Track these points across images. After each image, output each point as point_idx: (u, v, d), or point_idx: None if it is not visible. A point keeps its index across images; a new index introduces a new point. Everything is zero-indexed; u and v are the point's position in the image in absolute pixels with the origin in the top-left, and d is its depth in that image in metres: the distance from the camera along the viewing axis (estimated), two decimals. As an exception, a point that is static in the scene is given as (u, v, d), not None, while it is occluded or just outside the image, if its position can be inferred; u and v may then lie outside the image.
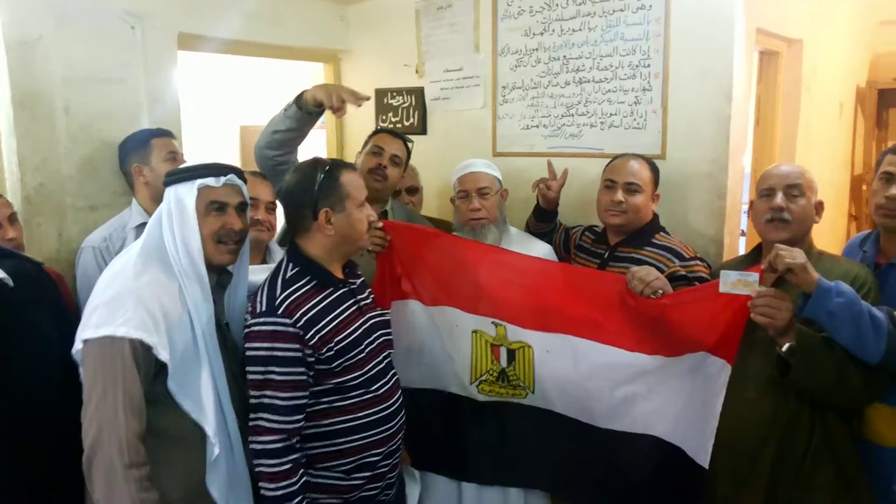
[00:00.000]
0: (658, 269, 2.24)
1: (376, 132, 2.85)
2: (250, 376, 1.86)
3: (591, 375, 2.23)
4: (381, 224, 2.37)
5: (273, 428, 1.82)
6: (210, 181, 1.85)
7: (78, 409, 1.65)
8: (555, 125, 3.12)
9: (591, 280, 2.32)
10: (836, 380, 1.86)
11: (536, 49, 3.12)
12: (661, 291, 2.07)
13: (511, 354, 2.38)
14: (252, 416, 1.85)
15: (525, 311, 2.34)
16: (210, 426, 1.75)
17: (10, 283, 1.78)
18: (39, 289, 1.93)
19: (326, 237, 1.97)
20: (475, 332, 2.41)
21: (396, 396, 2.09)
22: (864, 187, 4.23)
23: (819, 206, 2.14)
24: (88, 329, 1.66)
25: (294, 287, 1.91)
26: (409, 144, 2.81)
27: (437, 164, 3.37)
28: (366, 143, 2.82)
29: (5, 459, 1.70)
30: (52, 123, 2.64)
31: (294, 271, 1.95)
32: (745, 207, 2.87)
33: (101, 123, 2.74)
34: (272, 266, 2.19)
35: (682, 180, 2.72)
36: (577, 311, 2.25)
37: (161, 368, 1.70)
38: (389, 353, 2.14)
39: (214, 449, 1.76)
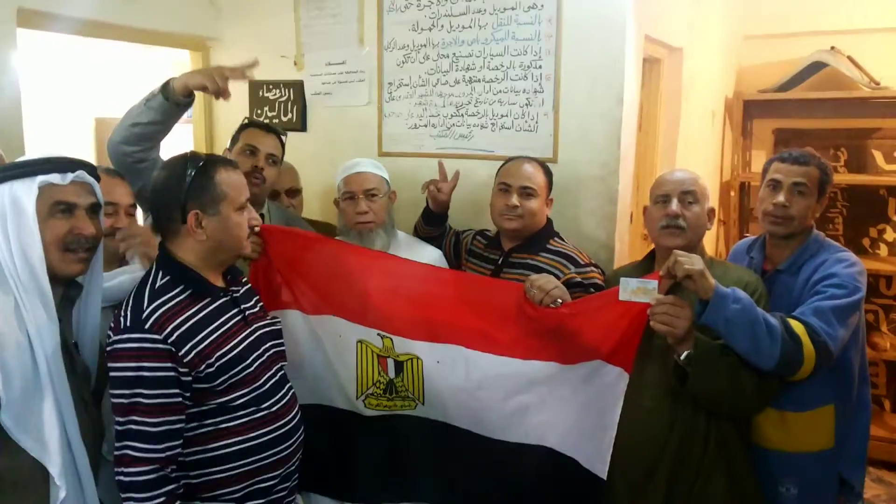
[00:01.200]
0: (554, 275, 2.19)
1: (245, 126, 2.60)
2: (114, 400, 1.64)
3: (483, 385, 2.15)
4: (258, 229, 2.15)
5: (142, 458, 1.61)
6: (54, 178, 1.59)
7: None
8: (444, 125, 3.01)
9: (485, 289, 2.23)
10: (731, 387, 1.89)
11: (425, 45, 3.00)
12: (560, 301, 2.01)
13: (399, 366, 2.25)
14: (117, 444, 1.63)
15: (414, 322, 2.21)
16: (55, 466, 1.52)
17: None
18: None
19: (197, 242, 1.76)
20: (360, 342, 2.26)
21: (293, 413, 1.91)
22: (732, 193, 4.43)
23: (711, 213, 2.17)
24: None
25: (164, 298, 1.70)
26: (283, 138, 2.60)
27: (318, 163, 3.19)
28: (234, 140, 2.57)
29: None
30: None
31: (164, 280, 1.73)
32: (629, 213, 2.88)
33: (-79, 108, 2.35)
34: (131, 271, 1.93)
35: (573, 184, 2.69)
36: (469, 321, 2.16)
37: None
38: (283, 365, 1.96)
39: (60, 492, 1.53)
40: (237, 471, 1.77)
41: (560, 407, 2.10)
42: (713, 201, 4.42)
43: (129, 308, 1.68)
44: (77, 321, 1.75)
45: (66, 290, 1.68)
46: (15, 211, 1.55)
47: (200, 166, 1.75)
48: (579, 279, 2.25)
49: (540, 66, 2.73)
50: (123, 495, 1.62)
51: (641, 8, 2.65)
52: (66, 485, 1.54)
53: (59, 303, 1.63)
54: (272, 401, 1.84)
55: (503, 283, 2.26)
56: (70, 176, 1.62)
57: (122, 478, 1.61)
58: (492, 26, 2.82)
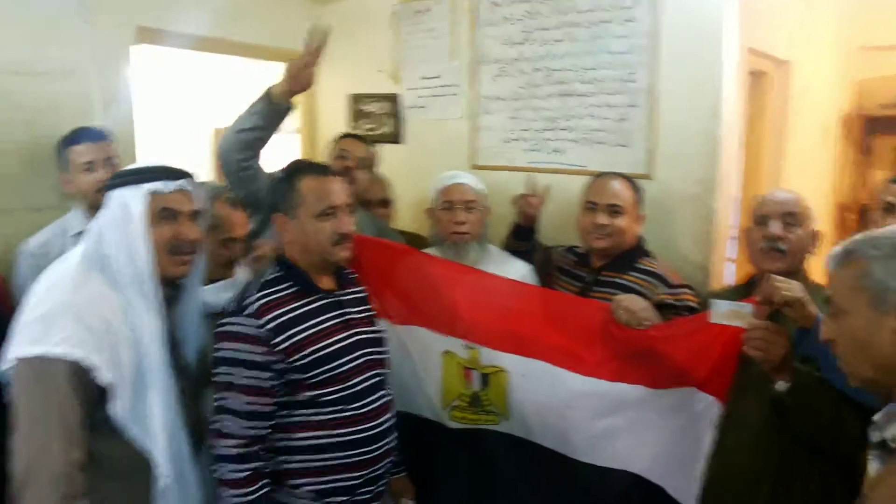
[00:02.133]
0: (643, 295, 2.12)
1: (341, 137, 2.73)
2: (215, 377, 1.78)
3: (569, 404, 2.10)
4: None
5: (232, 433, 1.74)
6: (160, 186, 1.68)
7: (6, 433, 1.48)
8: (536, 139, 2.98)
9: (572, 307, 2.19)
10: (833, 423, 1.75)
11: (518, 59, 2.99)
12: (648, 323, 1.94)
13: (484, 378, 2.24)
14: (213, 418, 1.77)
15: (500, 335, 2.21)
16: (160, 454, 1.60)
17: None
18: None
19: (288, 244, 1.90)
20: (446, 353, 2.27)
21: (383, 420, 1.95)
22: (849, 215, 4.17)
23: (816, 236, 2.04)
24: (20, 346, 1.49)
25: (271, 290, 1.84)
26: (375, 149, 2.67)
27: (411, 174, 3.22)
28: (330, 149, 2.69)
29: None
30: (-8, 118, 2.44)
31: (276, 275, 1.88)
32: (733, 232, 2.76)
33: (48, 119, 2.53)
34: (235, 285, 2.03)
35: (668, 202, 2.60)
36: (555, 338, 2.13)
37: (104, 391, 1.53)
38: (380, 372, 2.00)
39: (164, 479, 1.61)
40: (320, 463, 1.84)
41: (648, 432, 2.02)
42: (826, 223, 4.21)
43: (239, 295, 1.83)
44: (180, 319, 1.84)
45: (169, 290, 1.77)
46: (125, 216, 1.65)
47: (288, 173, 1.86)
48: (671, 300, 2.16)
49: (635, 80, 2.67)
50: (214, 465, 1.74)
51: (744, 19, 2.55)
52: (170, 471, 1.62)
53: (164, 302, 1.71)
54: (361, 403, 1.89)
55: (590, 302, 2.21)
56: (174, 184, 1.70)
57: (215, 450, 1.75)
58: (585, 40, 2.78)
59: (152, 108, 3.93)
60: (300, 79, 2.25)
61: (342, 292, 1.97)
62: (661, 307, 2.09)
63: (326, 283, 1.95)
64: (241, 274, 2.10)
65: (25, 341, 1.49)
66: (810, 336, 1.69)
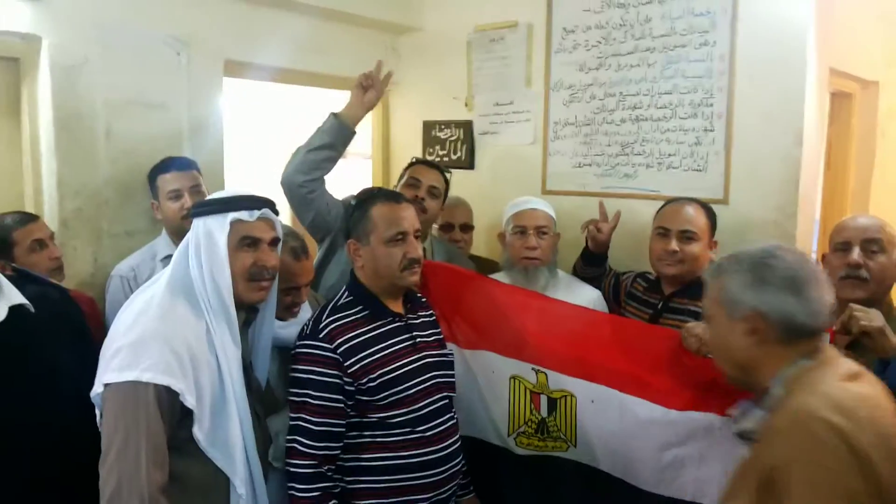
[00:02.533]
0: None
1: (412, 164, 2.74)
2: (290, 398, 1.86)
3: (637, 434, 2.06)
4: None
5: (305, 452, 1.80)
6: (243, 215, 1.73)
7: (95, 453, 1.54)
8: (609, 164, 2.97)
9: (641, 334, 2.16)
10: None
11: (591, 84, 2.99)
12: None
13: (552, 403, 2.22)
14: (288, 437, 1.84)
15: (569, 360, 2.19)
16: (237, 476, 1.66)
17: (32, 308, 1.71)
18: (63, 316, 1.85)
19: (360, 269, 1.96)
20: (514, 378, 2.27)
21: (450, 442, 1.98)
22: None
23: (901, 264, 1.95)
24: (110, 372, 1.55)
25: (342, 314, 1.90)
26: (447, 175, 2.70)
27: (483, 200, 3.25)
28: (402, 176, 2.72)
29: (16, 495, 1.61)
30: (93, 147, 2.61)
31: (347, 299, 1.94)
32: (814, 258, 2.66)
33: (142, 149, 2.70)
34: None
35: (744, 228, 2.54)
36: (625, 365, 2.10)
37: (186, 414, 1.59)
38: (447, 395, 2.03)
39: (240, 500, 1.67)
40: (387, 485, 1.87)
41: (719, 463, 1.96)
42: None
43: (314, 319, 1.91)
44: (252, 342, 1.90)
45: (246, 314, 1.83)
46: (208, 243, 1.70)
47: (360, 200, 1.93)
48: None
49: (711, 104, 2.63)
50: (288, 484, 1.80)
51: (826, 40, 2.48)
52: (245, 492, 1.67)
53: (240, 327, 1.76)
54: (428, 426, 1.92)
55: (660, 329, 2.18)
56: (256, 213, 1.75)
57: (289, 468, 1.81)
58: (661, 64, 2.76)
59: (239, 136, 4.10)
60: (370, 93, 2.36)
61: (412, 316, 2.01)
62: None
63: (396, 307, 1.99)
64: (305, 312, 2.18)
65: (115, 368, 1.54)
66: (891, 367, 1.63)
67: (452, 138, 3.56)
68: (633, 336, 2.14)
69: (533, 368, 2.23)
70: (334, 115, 2.34)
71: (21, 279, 1.80)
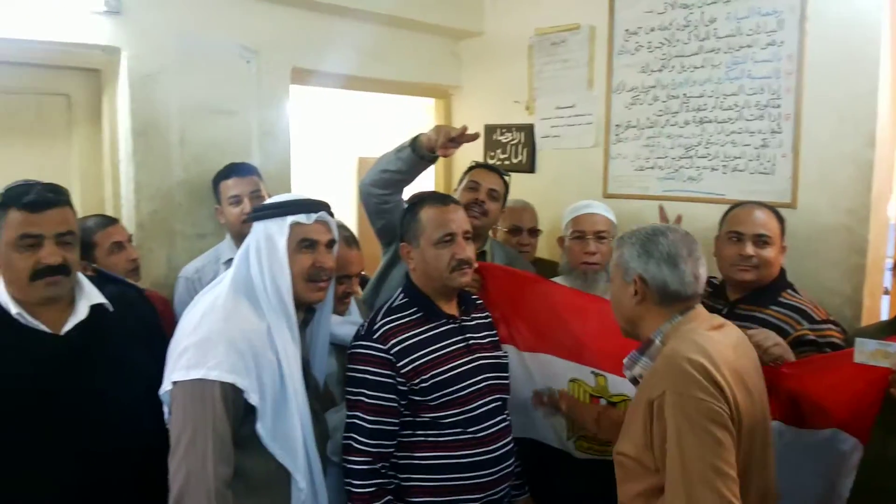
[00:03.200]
0: (784, 331, 2.03)
1: (472, 168, 2.74)
2: (347, 396, 1.90)
3: None
4: (475, 265, 2.30)
5: (359, 449, 1.84)
6: (302, 218, 1.79)
7: (164, 448, 1.62)
8: (672, 167, 2.93)
9: None
10: None
11: (654, 86, 2.96)
12: (779, 359, 1.85)
13: (611, 406, 2.21)
14: (345, 434, 1.88)
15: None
16: (298, 470, 1.71)
17: (111, 307, 1.80)
18: (138, 315, 1.92)
19: (413, 272, 1.99)
20: (573, 381, 2.26)
21: (503, 444, 1.99)
22: None
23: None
24: (178, 371, 1.62)
25: (396, 316, 1.94)
26: (507, 178, 2.70)
27: (544, 203, 3.24)
28: (461, 180, 2.72)
29: (91, 491, 1.68)
30: (168, 153, 2.73)
31: (402, 301, 1.98)
32: (890, 263, 2.57)
33: (213, 154, 2.80)
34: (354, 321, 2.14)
35: (813, 232, 2.47)
36: None
37: (249, 411, 1.65)
38: (500, 398, 2.04)
39: (301, 494, 1.71)
40: (439, 483, 1.90)
41: (785, 470, 1.92)
42: None
43: (369, 320, 1.95)
44: (309, 342, 1.95)
45: (304, 314, 1.89)
46: (269, 245, 1.77)
47: (412, 204, 1.98)
48: (812, 336, 2.05)
49: (778, 105, 2.57)
50: (345, 479, 1.85)
51: (901, 38, 2.39)
52: (306, 486, 1.72)
53: (299, 326, 1.82)
54: (480, 427, 1.93)
55: None
56: (314, 216, 1.81)
57: (345, 464, 1.85)
58: (726, 65, 2.71)
59: (305, 141, 4.21)
60: (442, 146, 2.29)
61: (466, 318, 2.03)
62: (801, 343, 1.99)
63: (450, 308, 2.01)
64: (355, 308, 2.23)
65: (182, 367, 1.62)
66: None
67: (514, 142, 3.57)
68: None
69: (592, 372, 2.23)
70: (413, 146, 2.32)
71: (101, 279, 1.89)
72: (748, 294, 2.25)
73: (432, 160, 2.37)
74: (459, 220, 1.98)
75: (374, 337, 1.89)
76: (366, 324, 1.95)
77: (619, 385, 2.16)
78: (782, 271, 2.27)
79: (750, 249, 2.19)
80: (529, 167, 3.50)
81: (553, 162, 3.43)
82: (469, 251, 1.97)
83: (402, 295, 1.99)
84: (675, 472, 1.42)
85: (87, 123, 2.71)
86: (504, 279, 2.33)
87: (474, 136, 2.29)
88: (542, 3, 3.39)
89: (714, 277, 2.46)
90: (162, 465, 1.59)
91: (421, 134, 2.33)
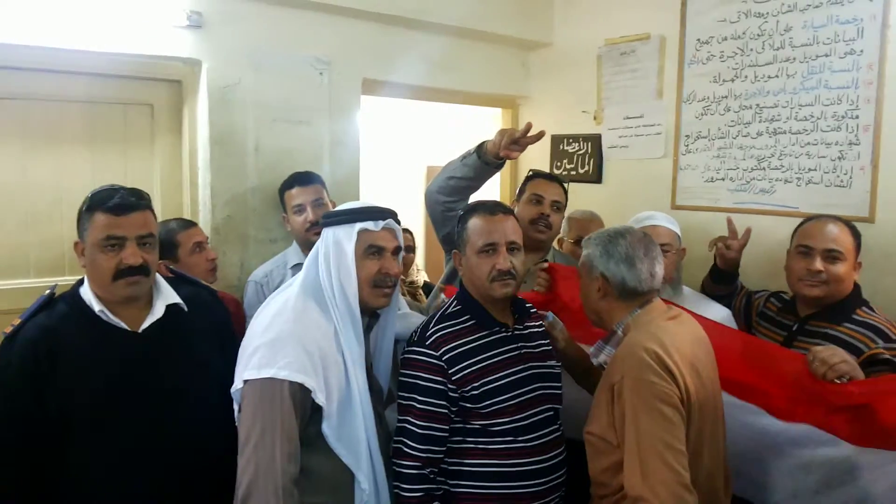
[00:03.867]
0: (857, 349, 1.96)
1: (530, 177, 2.70)
2: (398, 401, 1.90)
3: (763, 446, 1.98)
4: (546, 266, 2.39)
5: (409, 454, 1.84)
6: (370, 225, 1.83)
7: (234, 445, 1.66)
8: (743, 178, 2.87)
9: (766, 354, 2.06)
10: None
11: (726, 96, 2.90)
12: (847, 377, 1.78)
13: None
14: (395, 438, 1.88)
15: None
16: (361, 471, 1.74)
17: (185, 308, 1.88)
18: (212, 316, 2.00)
19: (464, 279, 1.99)
20: None
21: (554, 454, 1.96)
22: None
23: None
24: (250, 370, 1.67)
25: (449, 323, 1.94)
26: (565, 186, 2.68)
27: (610, 214, 3.20)
28: (521, 191, 2.69)
29: (163, 484, 1.76)
30: (243, 160, 2.85)
31: (455, 308, 1.98)
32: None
33: (286, 162, 2.90)
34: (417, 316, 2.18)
35: (892, 248, 2.37)
36: (749, 378, 2.01)
37: (316, 410, 1.69)
38: (553, 408, 2.01)
39: (364, 494, 1.74)
40: (488, 491, 1.88)
41: (845, 487, 1.84)
42: None
43: (423, 326, 1.95)
44: (374, 346, 1.99)
45: (369, 319, 1.93)
46: (337, 251, 1.82)
47: (465, 212, 1.99)
48: (888, 356, 1.96)
49: (857, 116, 2.49)
50: (394, 483, 1.84)
51: None
52: (368, 486, 1.74)
53: (363, 330, 1.86)
54: (531, 436, 1.91)
55: (786, 351, 2.07)
56: (381, 223, 1.85)
57: (394, 467, 1.85)
58: (801, 75, 2.64)
59: (374, 150, 4.29)
60: (505, 148, 2.31)
61: (519, 327, 2.01)
62: (875, 363, 1.91)
63: (503, 316, 1.99)
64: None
65: (254, 366, 1.66)
66: None
67: (580, 152, 3.55)
68: (757, 355, 2.06)
69: None
70: (478, 153, 2.34)
71: (177, 280, 1.99)
72: (820, 310, 2.17)
73: (498, 166, 2.38)
74: (504, 230, 1.94)
75: (427, 343, 1.89)
76: (419, 330, 1.96)
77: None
78: (857, 288, 2.18)
79: (818, 264, 2.12)
80: (596, 177, 3.48)
81: (620, 172, 3.40)
82: (512, 262, 1.93)
83: (455, 302, 2.00)
84: (631, 446, 1.62)
85: (168, 132, 2.85)
86: (573, 279, 2.32)
87: (538, 136, 2.31)
88: (612, 14, 3.37)
89: (784, 293, 2.39)
90: (232, 462, 1.64)
91: (486, 140, 2.35)
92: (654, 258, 1.83)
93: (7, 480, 1.67)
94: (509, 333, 1.98)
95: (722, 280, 2.56)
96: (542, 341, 2.08)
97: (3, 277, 2.53)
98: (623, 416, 1.64)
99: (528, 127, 2.29)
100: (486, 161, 2.33)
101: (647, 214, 2.53)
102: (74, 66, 2.56)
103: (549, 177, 2.70)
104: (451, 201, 2.43)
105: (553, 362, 2.08)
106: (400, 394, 1.91)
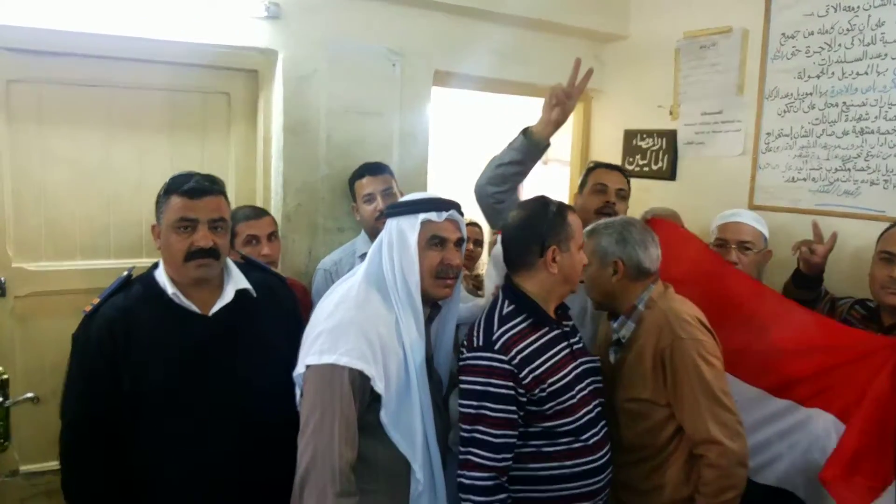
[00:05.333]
0: None
1: (592, 168, 2.67)
2: (463, 410, 1.83)
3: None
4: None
5: (484, 465, 1.78)
6: (433, 216, 1.84)
7: (296, 428, 1.70)
8: (826, 179, 2.74)
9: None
10: None
11: (811, 93, 2.78)
12: None
13: None
14: (462, 450, 1.82)
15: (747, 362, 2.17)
16: (417, 462, 1.75)
17: (254, 293, 1.93)
18: (279, 302, 2.05)
19: (549, 275, 1.90)
20: None
21: (605, 449, 1.94)
22: None
23: None
24: (312, 355, 1.71)
25: (511, 324, 1.87)
26: (626, 174, 2.64)
27: (684, 211, 3.13)
28: (583, 182, 2.66)
29: (226, 460, 1.82)
30: (315, 150, 2.88)
31: (510, 308, 1.90)
32: None
33: (356, 152, 2.92)
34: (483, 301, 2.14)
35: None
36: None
37: (374, 398, 1.71)
38: (600, 402, 1.99)
39: (419, 486, 1.75)
40: (550, 493, 1.86)
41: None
42: None
43: (481, 330, 1.87)
44: (434, 337, 1.99)
45: (430, 310, 1.93)
46: (400, 242, 1.83)
47: (559, 208, 1.92)
48: None
49: (952, 117, 2.34)
50: (463, 496, 1.79)
51: None
52: (423, 478, 1.76)
53: (425, 321, 1.86)
54: (588, 434, 1.89)
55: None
56: (444, 214, 1.85)
57: (463, 480, 1.79)
58: (893, 72, 2.50)
59: (443, 142, 4.28)
60: (556, 110, 2.29)
61: (565, 323, 1.99)
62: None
63: (552, 315, 1.96)
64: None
65: (316, 351, 1.70)
66: None
67: (654, 148, 3.46)
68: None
69: None
70: (524, 131, 2.34)
71: (248, 266, 2.04)
72: None
73: (545, 147, 2.35)
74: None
75: (496, 348, 1.82)
76: (478, 335, 1.87)
77: None
78: (948, 299, 2.07)
79: None
80: (670, 174, 3.38)
81: (695, 169, 3.29)
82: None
83: (506, 302, 1.92)
84: (694, 398, 1.86)
85: (244, 120, 2.91)
86: (673, 236, 2.35)
87: (587, 76, 2.33)
88: (692, 6, 3.27)
89: (870, 300, 2.28)
90: (294, 446, 1.68)
91: (531, 126, 2.34)
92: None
93: (84, 448, 1.76)
94: (560, 331, 1.95)
95: (804, 285, 2.46)
96: (580, 335, 2.07)
97: (85, 257, 2.63)
98: (676, 375, 1.89)
99: (578, 62, 2.30)
100: (534, 142, 2.30)
101: (733, 211, 2.51)
102: (156, 55, 2.63)
103: (611, 166, 2.67)
104: (500, 191, 2.40)
105: (595, 356, 2.06)
106: (465, 402, 1.83)
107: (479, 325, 1.90)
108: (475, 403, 1.80)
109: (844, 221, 2.60)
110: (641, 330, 1.99)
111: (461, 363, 1.87)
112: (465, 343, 1.90)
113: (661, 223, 2.39)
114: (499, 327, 1.86)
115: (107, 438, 1.75)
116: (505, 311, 1.90)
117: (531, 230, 1.90)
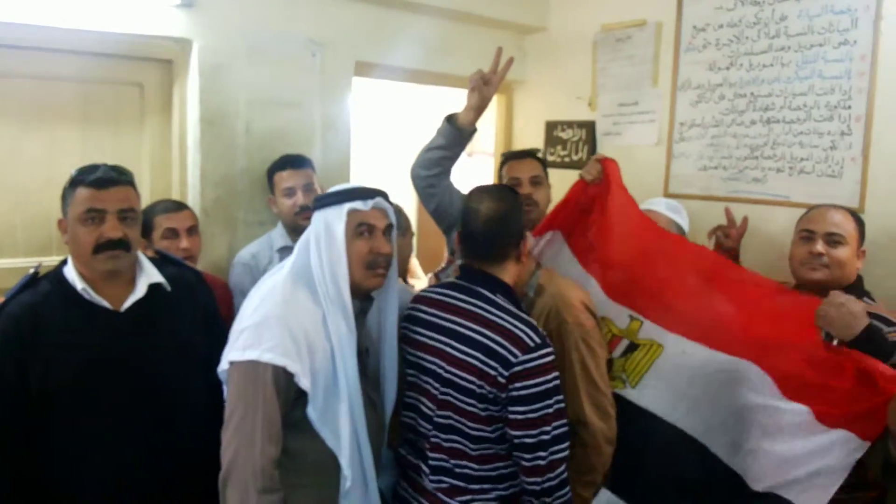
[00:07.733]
0: None
1: (503, 162, 2.67)
2: (544, 411, 1.73)
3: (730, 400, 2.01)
4: (601, 157, 2.42)
5: (564, 458, 1.76)
6: (358, 204, 1.80)
7: (219, 423, 1.68)
8: (736, 167, 2.86)
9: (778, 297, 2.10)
10: None
11: (721, 84, 2.89)
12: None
13: (631, 347, 2.21)
14: (556, 448, 1.75)
15: (671, 311, 2.17)
16: (345, 458, 1.72)
17: (168, 287, 1.88)
18: (195, 297, 1.99)
19: (520, 266, 1.94)
20: (602, 318, 2.22)
21: None
22: None
23: None
24: (235, 351, 1.68)
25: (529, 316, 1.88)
26: (540, 155, 2.65)
27: (603, 201, 3.20)
28: (500, 177, 2.68)
29: (147, 460, 1.77)
30: (233, 142, 2.82)
31: (508, 300, 1.87)
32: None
33: (276, 144, 2.87)
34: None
35: (883, 239, 2.37)
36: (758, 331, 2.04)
37: (301, 394, 1.69)
38: None
39: (346, 482, 1.73)
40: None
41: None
42: None
43: (526, 328, 1.77)
44: (372, 329, 1.97)
45: (361, 303, 1.90)
46: (327, 234, 1.79)
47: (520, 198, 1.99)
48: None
49: (849, 107, 2.48)
50: (560, 493, 1.75)
51: None
52: (353, 474, 1.73)
53: (357, 314, 1.82)
54: None
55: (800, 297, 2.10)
56: (371, 202, 1.82)
57: (552, 481, 1.74)
58: (796, 64, 2.63)
59: (365, 134, 4.25)
60: (475, 95, 2.33)
61: None
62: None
63: None
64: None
65: (239, 347, 1.67)
66: None
67: (574, 139, 3.54)
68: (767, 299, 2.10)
69: (629, 315, 2.22)
70: (448, 118, 2.36)
71: (161, 261, 1.98)
72: (822, 297, 2.16)
73: (471, 133, 2.38)
74: None
75: (547, 342, 1.78)
76: (531, 336, 1.76)
77: (652, 332, 2.17)
78: (860, 279, 2.17)
79: (820, 247, 2.10)
80: (590, 164, 3.45)
81: (614, 159, 3.37)
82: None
83: (497, 295, 1.88)
84: (574, 381, 1.92)
85: (158, 112, 2.82)
86: (623, 197, 2.34)
87: (508, 63, 2.38)
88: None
89: (786, 283, 2.38)
90: (216, 442, 1.65)
91: (456, 112, 2.37)
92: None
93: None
94: None
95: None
96: None
97: (-8, 256, 2.51)
98: (559, 358, 1.84)
99: (499, 51, 2.33)
100: (457, 126, 2.33)
101: (648, 202, 2.53)
102: (66, 45, 2.53)
103: (521, 154, 2.65)
104: (431, 175, 2.41)
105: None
106: (546, 402, 1.74)
107: (512, 325, 1.79)
108: (554, 399, 1.75)
109: (754, 207, 2.71)
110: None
111: (528, 366, 1.73)
112: (507, 350, 1.76)
113: (611, 165, 2.39)
114: (529, 320, 1.82)
115: (14, 439, 1.68)
116: (510, 305, 1.85)
117: (512, 222, 1.91)
